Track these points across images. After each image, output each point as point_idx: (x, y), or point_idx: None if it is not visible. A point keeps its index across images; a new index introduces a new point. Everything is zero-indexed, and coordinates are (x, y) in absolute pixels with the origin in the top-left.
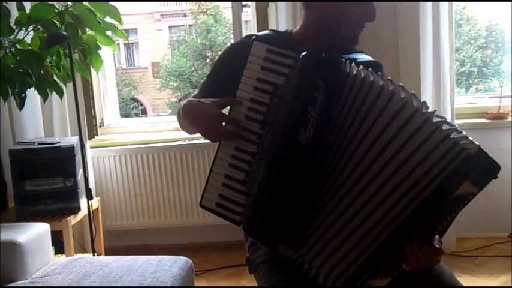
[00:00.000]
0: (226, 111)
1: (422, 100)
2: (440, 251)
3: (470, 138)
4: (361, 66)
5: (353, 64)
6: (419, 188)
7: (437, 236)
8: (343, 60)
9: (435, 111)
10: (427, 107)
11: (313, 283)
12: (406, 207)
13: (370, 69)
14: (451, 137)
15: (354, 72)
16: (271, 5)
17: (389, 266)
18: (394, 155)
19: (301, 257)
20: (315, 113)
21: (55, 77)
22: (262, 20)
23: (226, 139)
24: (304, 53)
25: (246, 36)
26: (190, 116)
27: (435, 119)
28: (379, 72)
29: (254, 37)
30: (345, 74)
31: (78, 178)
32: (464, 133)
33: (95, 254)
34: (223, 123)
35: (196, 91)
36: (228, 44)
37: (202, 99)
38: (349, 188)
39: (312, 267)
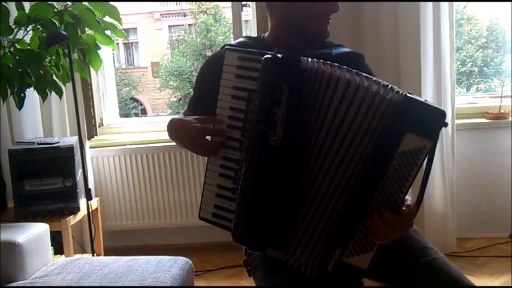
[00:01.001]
0: None
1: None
2: (404, 212)
3: (398, 89)
4: (318, 60)
5: (309, 59)
6: (365, 154)
7: (409, 198)
8: (302, 57)
9: (373, 79)
10: (373, 81)
11: (311, 282)
12: (354, 174)
13: (323, 61)
14: (382, 94)
15: (312, 66)
16: None
17: (358, 240)
18: (347, 132)
19: (289, 255)
20: (281, 114)
21: (54, 77)
22: (262, 19)
23: (213, 151)
24: (265, 56)
25: (221, 48)
26: (175, 134)
27: (374, 87)
28: (340, 66)
29: (226, 47)
30: (305, 70)
31: (78, 178)
32: (397, 88)
33: (95, 254)
34: (208, 137)
35: (185, 108)
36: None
37: (184, 117)
38: (316, 175)
39: (296, 261)
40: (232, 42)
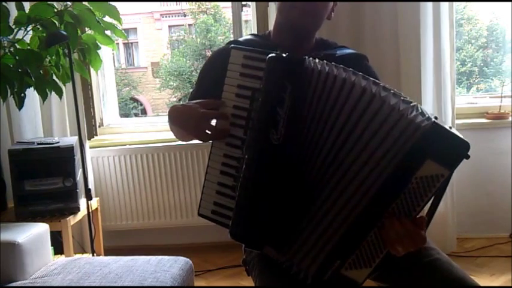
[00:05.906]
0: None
1: (422, 101)
2: (420, 223)
3: (428, 114)
4: (323, 61)
5: (316, 60)
6: (380, 170)
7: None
8: (306, 58)
9: (392, 90)
10: (387, 90)
11: (304, 286)
12: (368, 189)
13: (333, 63)
14: (409, 116)
15: (318, 68)
16: (271, 4)
17: (359, 255)
18: (357, 141)
19: (288, 257)
20: (283, 113)
21: (54, 77)
22: (262, 19)
23: (218, 136)
24: (270, 55)
25: (228, 43)
26: (178, 120)
27: (393, 101)
28: (346, 68)
29: (232, 45)
30: (310, 71)
31: (78, 178)
32: (421, 110)
33: (95, 254)
34: (213, 122)
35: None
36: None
37: (187, 102)
38: (327, 182)
39: (294, 265)
40: (239, 39)
